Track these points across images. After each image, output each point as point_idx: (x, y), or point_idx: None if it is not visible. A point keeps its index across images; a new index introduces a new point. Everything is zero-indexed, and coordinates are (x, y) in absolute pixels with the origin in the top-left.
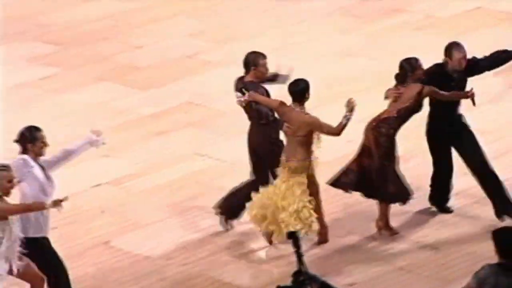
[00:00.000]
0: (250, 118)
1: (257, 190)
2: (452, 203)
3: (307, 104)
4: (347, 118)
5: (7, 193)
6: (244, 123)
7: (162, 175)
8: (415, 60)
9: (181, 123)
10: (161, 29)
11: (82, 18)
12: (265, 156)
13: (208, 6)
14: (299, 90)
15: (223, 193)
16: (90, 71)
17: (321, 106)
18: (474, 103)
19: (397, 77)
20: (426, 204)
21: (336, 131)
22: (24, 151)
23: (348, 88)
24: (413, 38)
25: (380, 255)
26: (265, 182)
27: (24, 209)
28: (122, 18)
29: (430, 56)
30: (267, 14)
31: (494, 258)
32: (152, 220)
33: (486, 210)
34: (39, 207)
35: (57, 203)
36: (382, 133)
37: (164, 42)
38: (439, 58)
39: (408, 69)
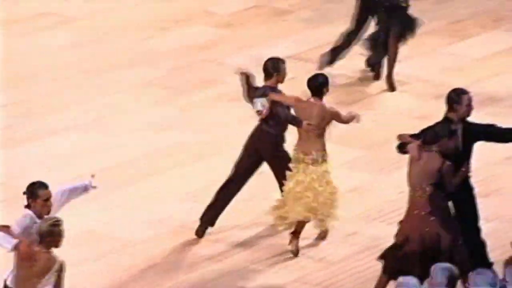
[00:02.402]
0: (263, 120)
1: (235, 188)
2: None
3: None
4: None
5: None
6: None
7: None
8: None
9: None
10: None
11: None
12: (267, 160)
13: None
14: (319, 84)
15: None
16: None
17: (140, 181)
18: None
19: None
20: None
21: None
22: (28, 205)
23: (164, 163)
24: (228, 109)
25: None
26: (240, 183)
27: None
28: None
29: (245, 128)
30: (82, 85)
31: None
32: None
33: None
34: None
35: None
36: None
37: None
38: (247, 128)
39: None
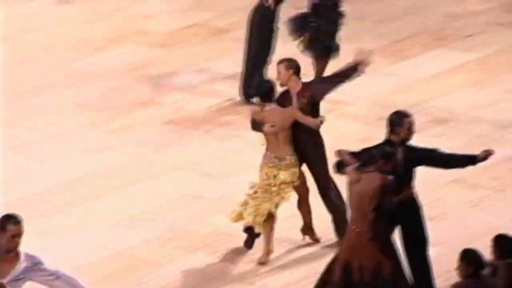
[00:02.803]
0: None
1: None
2: None
3: None
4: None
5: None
6: None
7: None
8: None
9: None
10: None
11: None
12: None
13: None
14: (265, 91)
15: None
16: None
17: (74, 206)
18: None
19: None
20: None
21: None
22: None
23: (98, 187)
24: (164, 131)
25: None
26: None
27: None
28: None
29: (183, 150)
30: (12, 107)
31: None
32: None
33: None
34: None
35: None
36: None
37: None
38: (194, 150)
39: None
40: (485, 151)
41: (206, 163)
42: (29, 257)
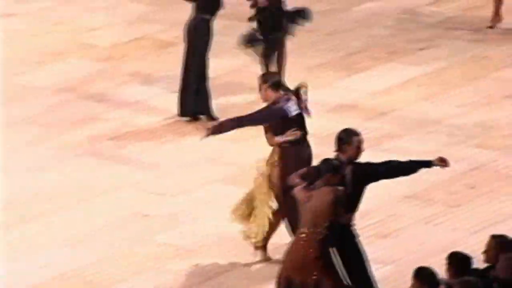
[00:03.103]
0: None
1: None
2: None
3: None
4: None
5: None
6: None
7: None
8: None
9: None
10: None
11: None
12: None
13: None
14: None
15: None
16: None
17: (16, 227)
18: None
19: None
20: None
21: None
22: None
23: (41, 207)
24: (109, 148)
25: None
26: None
27: None
28: None
29: (128, 168)
30: None
31: None
32: None
33: None
34: None
35: None
36: None
37: None
38: (140, 167)
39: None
40: (441, 159)
41: (153, 180)
42: None
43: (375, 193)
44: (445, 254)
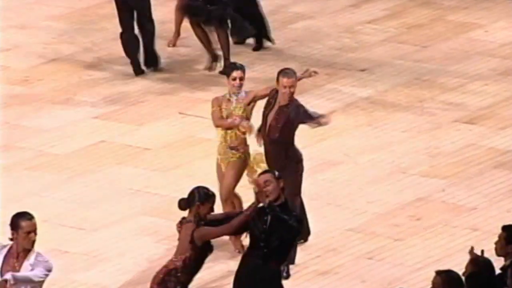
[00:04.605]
0: None
1: None
2: None
3: None
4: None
5: None
6: None
7: None
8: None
9: None
10: None
11: None
12: None
13: None
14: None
15: None
16: None
17: None
18: None
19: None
20: None
21: None
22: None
23: None
24: (26, 178)
25: None
26: None
27: None
28: None
29: (51, 199)
30: None
31: None
32: None
33: None
34: None
35: None
36: None
37: None
38: (59, 199)
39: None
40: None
41: (70, 213)
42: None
43: (314, 226)
44: None
